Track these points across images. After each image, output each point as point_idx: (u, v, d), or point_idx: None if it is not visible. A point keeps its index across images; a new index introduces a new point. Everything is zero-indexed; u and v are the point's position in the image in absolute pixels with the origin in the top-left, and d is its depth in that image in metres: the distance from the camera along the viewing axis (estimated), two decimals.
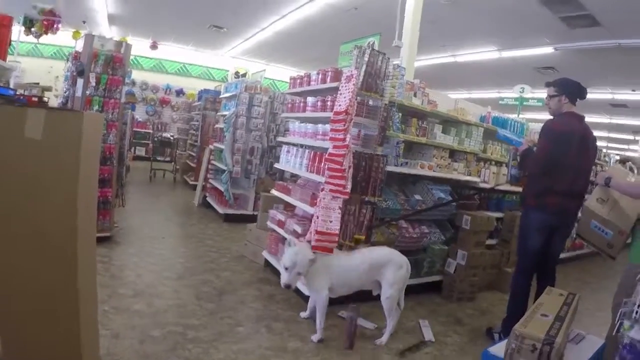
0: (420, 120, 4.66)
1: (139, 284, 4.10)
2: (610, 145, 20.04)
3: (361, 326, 3.64)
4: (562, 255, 4.74)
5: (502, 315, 3.86)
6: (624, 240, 3.17)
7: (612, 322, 2.76)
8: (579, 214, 3.66)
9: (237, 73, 13.72)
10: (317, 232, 3.69)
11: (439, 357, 3.42)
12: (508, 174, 4.50)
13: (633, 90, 11.76)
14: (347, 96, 3.78)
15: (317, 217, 3.75)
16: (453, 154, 5.02)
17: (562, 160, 3.48)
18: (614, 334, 2.09)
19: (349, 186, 3.75)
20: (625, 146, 19.62)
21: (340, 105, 3.81)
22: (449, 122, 5.08)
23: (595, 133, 3.85)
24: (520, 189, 4.40)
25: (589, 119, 3.81)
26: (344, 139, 3.72)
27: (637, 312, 1.86)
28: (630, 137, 18.16)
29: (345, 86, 3.86)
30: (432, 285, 4.80)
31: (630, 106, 13.31)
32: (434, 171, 4.66)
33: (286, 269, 3.33)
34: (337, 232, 3.73)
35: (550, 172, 3.53)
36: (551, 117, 3.74)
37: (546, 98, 3.78)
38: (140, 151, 13.20)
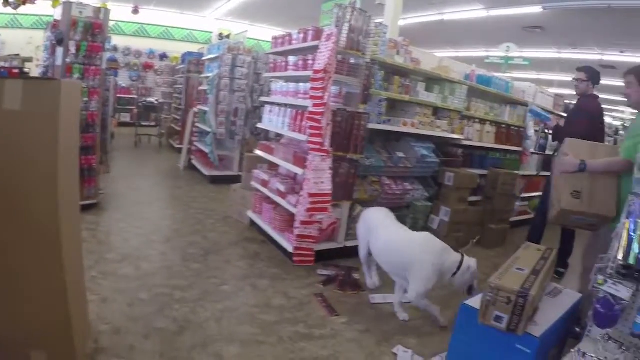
0: (403, 78, 4.63)
1: (126, 249, 4.12)
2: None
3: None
4: None
5: (487, 271, 3.97)
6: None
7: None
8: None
9: (220, 35, 13.39)
10: (310, 195, 3.72)
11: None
12: (536, 144, 5.12)
13: (621, 52, 11.56)
14: (326, 54, 3.75)
15: (309, 180, 3.75)
16: (437, 111, 5.01)
17: (595, 134, 4.13)
18: (589, 288, 2.11)
19: (327, 143, 3.75)
20: (614, 107, 19.63)
21: (319, 63, 3.77)
22: (432, 80, 5.04)
23: None
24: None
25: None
26: (322, 97, 3.71)
27: (611, 268, 1.89)
28: (619, 98, 18.14)
29: (325, 45, 3.82)
30: None
31: (619, 68, 13.15)
32: (416, 128, 4.67)
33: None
34: (330, 192, 3.80)
35: None
36: (578, 97, 4.58)
37: (575, 80, 4.51)
38: (125, 117, 12.94)
